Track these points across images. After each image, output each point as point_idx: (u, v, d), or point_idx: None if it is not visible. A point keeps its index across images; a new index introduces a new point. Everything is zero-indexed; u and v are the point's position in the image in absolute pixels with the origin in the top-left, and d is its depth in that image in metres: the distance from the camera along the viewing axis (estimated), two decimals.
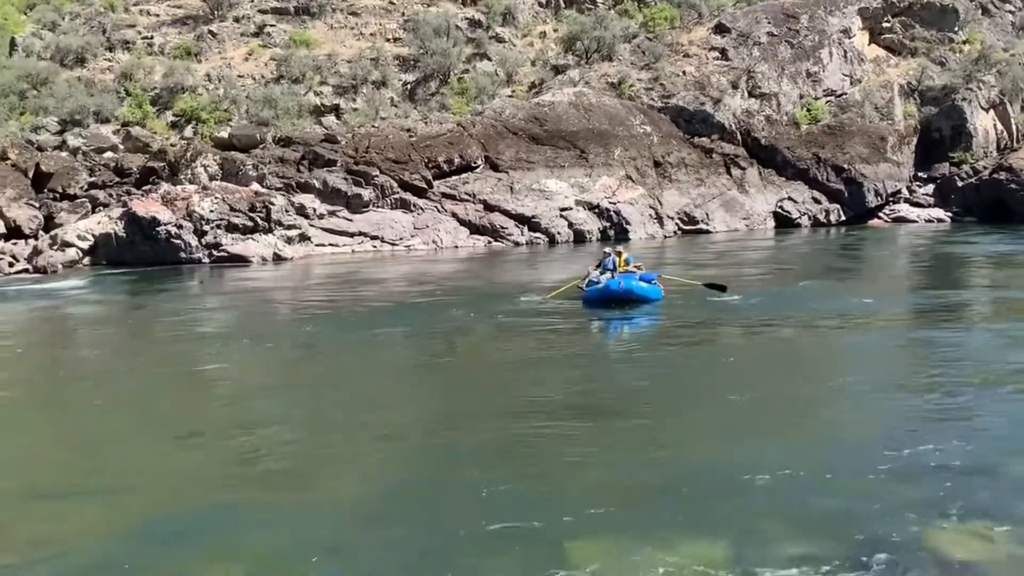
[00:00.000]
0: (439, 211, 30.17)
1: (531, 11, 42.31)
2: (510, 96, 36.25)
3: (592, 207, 31.34)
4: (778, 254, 26.74)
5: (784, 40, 38.19)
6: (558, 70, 37.67)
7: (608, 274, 15.08)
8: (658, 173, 33.71)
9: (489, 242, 29.66)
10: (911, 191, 36.96)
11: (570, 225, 30.58)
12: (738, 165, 35.13)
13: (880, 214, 35.73)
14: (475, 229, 29.98)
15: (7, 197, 26.92)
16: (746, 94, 36.92)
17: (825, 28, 38.93)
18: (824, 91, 38.07)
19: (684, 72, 37.07)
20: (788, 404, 9.26)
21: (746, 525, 6.08)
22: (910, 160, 37.55)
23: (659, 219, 32.34)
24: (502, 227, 29.97)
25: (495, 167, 31.79)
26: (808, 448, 7.72)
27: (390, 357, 12.66)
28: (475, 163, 31.66)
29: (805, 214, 34.65)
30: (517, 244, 29.58)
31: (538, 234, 30.14)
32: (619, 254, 16.00)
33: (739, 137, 35.85)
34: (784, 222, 34.17)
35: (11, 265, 23.67)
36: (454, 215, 30.15)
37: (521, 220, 30.33)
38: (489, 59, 38.15)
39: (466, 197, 30.67)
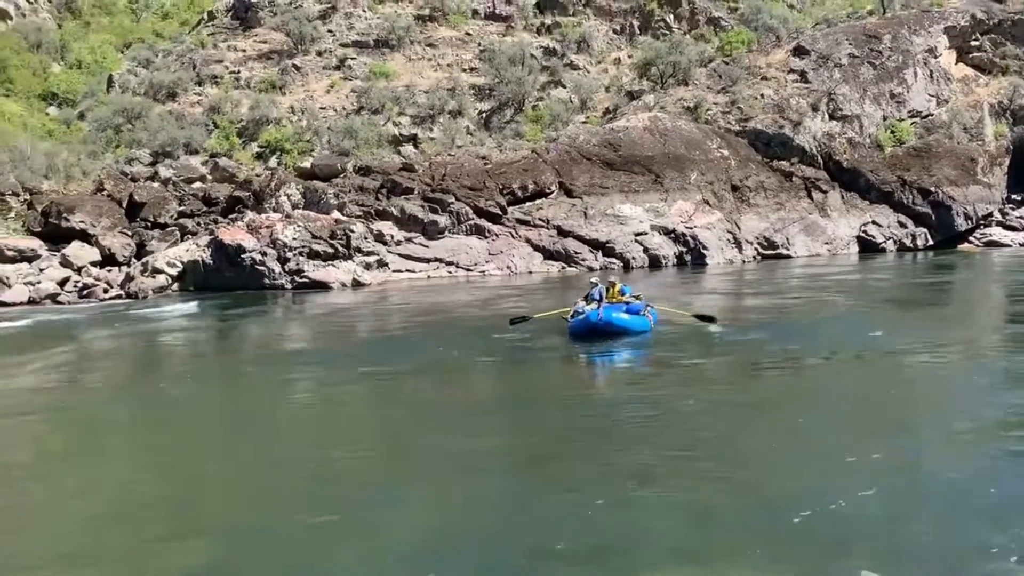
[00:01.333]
0: (513, 237, 30.34)
1: (605, 38, 42.54)
2: (584, 122, 36.37)
3: (668, 232, 31.03)
4: (862, 278, 25.90)
5: (866, 61, 37.29)
6: (633, 95, 37.65)
7: (594, 304, 14.71)
8: (736, 197, 33.20)
9: (563, 267, 29.64)
10: (1004, 214, 35.41)
11: (645, 250, 30.32)
12: (819, 189, 34.33)
13: (971, 238, 34.30)
14: (549, 254, 30.02)
15: (103, 226, 28.24)
16: (827, 116, 36.14)
17: (909, 48, 37.88)
18: (909, 112, 36.98)
19: (762, 95, 36.54)
20: (857, 435, 8.89)
21: (830, 554, 5.84)
22: (1002, 182, 36.05)
23: (737, 244, 31.79)
24: (576, 252, 29.93)
25: (569, 193, 31.83)
26: (884, 480, 7.39)
27: (462, 382, 12.70)
28: (549, 189, 31.77)
29: (890, 238, 33.55)
30: (591, 269, 29.43)
31: (612, 259, 29.98)
32: (612, 284, 15.77)
33: (820, 160, 35.06)
34: (868, 247, 33.16)
35: (105, 291, 24.74)
36: (528, 241, 30.26)
37: (595, 245, 30.24)
38: (563, 86, 38.43)
39: (540, 223, 30.77)
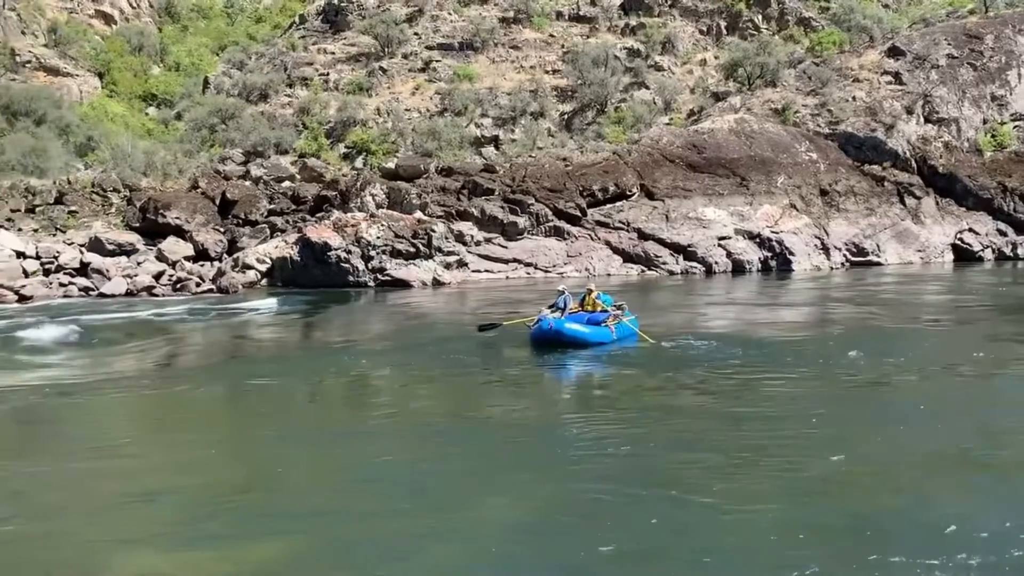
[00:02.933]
0: (592, 239, 30.20)
1: (691, 39, 41.98)
2: (668, 124, 35.97)
3: (753, 236, 30.39)
4: (963, 287, 24.85)
5: (966, 62, 35.81)
6: (718, 97, 37.06)
7: (557, 313, 14.57)
8: (824, 202, 32.30)
9: (643, 271, 29.34)
10: None
11: (728, 255, 29.75)
12: (912, 194, 33.11)
13: None
14: (628, 257, 29.76)
15: (197, 222, 29.32)
16: (922, 119, 34.86)
17: (1013, 48, 36.21)
18: (1012, 115, 35.36)
19: (854, 97, 35.47)
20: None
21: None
22: None
23: (825, 250, 30.91)
24: (656, 256, 29.59)
25: (651, 195, 31.51)
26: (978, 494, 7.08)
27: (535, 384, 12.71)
28: (630, 191, 31.52)
29: (988, 247, 32.10)
30: (672, 273, 29.08)
31: (694, 263, 29.51)
32: (589, 292, 15.55)
33: (914, 164, 33.82)
34: (964, 255, 31.78)
35: (198, 285, 25.66)
36: (607, 243, 30.07)
37: (676, 249, 29.84)
38: (647, 87, 38.09)
39: (620, 225, 30.54)
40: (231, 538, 6.71)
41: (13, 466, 8.76)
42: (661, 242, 30.01)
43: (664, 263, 29.45)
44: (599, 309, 15.04)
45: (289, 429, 10.20)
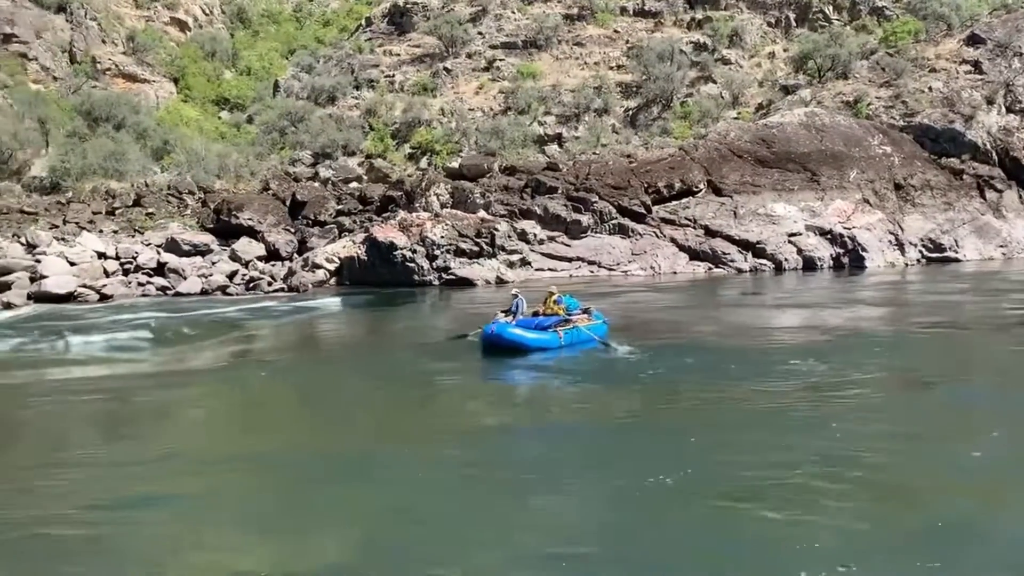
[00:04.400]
0: (658, 236, 29.88)
1: (759, 31, 41.19)
2: (736, 118, 35.36)
3: (824, 232, 29.65)
4: None
5: None
6: (788, 90, 36.29)
7: (508, 318, 14.34)
8: (899, 196, 31.30)
9: (710, 268, 28.89)
10: None
11: (799, 251, 29.08)
12: (993, 187, 31.85)
13: None
14: (695, 255, 29.35)
15: (268, 223, 30.03)
16: (1004, 110, 33.49)
17: None
18: None
19: (930, 88, 34.28)
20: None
21: None
22: None
23: (900, 246, 29.96)
24: (724, 253, 29.11)
25: (718, 191, 31.02)
26: None
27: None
28: (697, 187, 31.07)
29: None
30: (740, 271, 28.56)
31: (763, 260, 28.93)
32: (550, 295, 15.24)
33: (995, 157, 32.52)
34: None
35: (269, 284, 26.27)
36: (673, 240, 29.71)
37: (745, 246, 29.30)
38: (714, 82, 37.54)
39: (686, 222, 30.14)
40: (298, 531, 6.84)
41: (100, 450, 9.11)
42: (729, 239, 29.51)
43: (732, 260, 28.94)
44: (559, 312, 14.74)
45: (357, 425, 10.36)
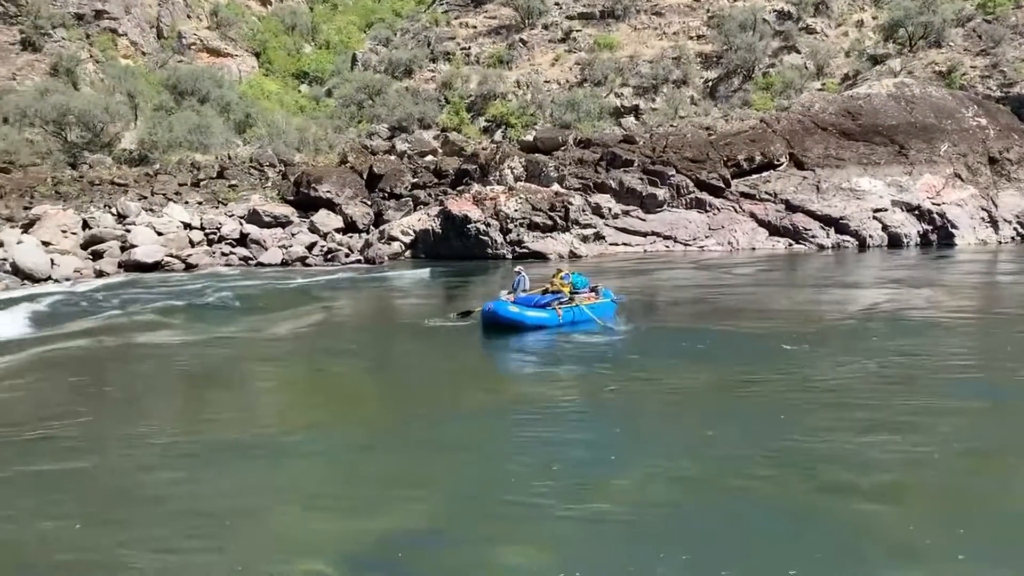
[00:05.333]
0: (736, 211, 29.23)
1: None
2: (820, 89, 34.23)
3: (911, 208, 28.53)
4: None
5: None
6: (876, 60, 34.90)
7: (511, 295, 14.23)
8: (993, 171, 29.86)
9: (790, 244, 28.15)
10: None
11: (884, 228, 28.07)
12: None
13: None
14: (775, 230, 28.63)
15: (346, 196, 30.51)
16: None
17: None
18: None
19: None
20: None
21: None
22: None
23: (993, 223, 28.63)
24: (805, 229, 28.31)
25: (800, 165, 30.12)
26: None
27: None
28: (778, 161, 30.23)
29: None
30: (821, 247, 27.75)
31: (846, 237, 28.04)
32: (557, 272, 14.91)
33: None
34: None
35: (347, 256, 26.77)
36: (752, 215, 29.03)
37: (827, 222, 28.43)
38: (798, 52, 36.38)
39: (766, 197, 29.39)
40: (367, 501, 6.98)
41: (184, 410, 9.47)
42: (811, 214, 28.68)
43: (813, 236, 28.14)
44: (564, 290, 14.49)
45: (429, 397, 10.49)
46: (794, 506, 6.61)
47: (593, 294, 14.83)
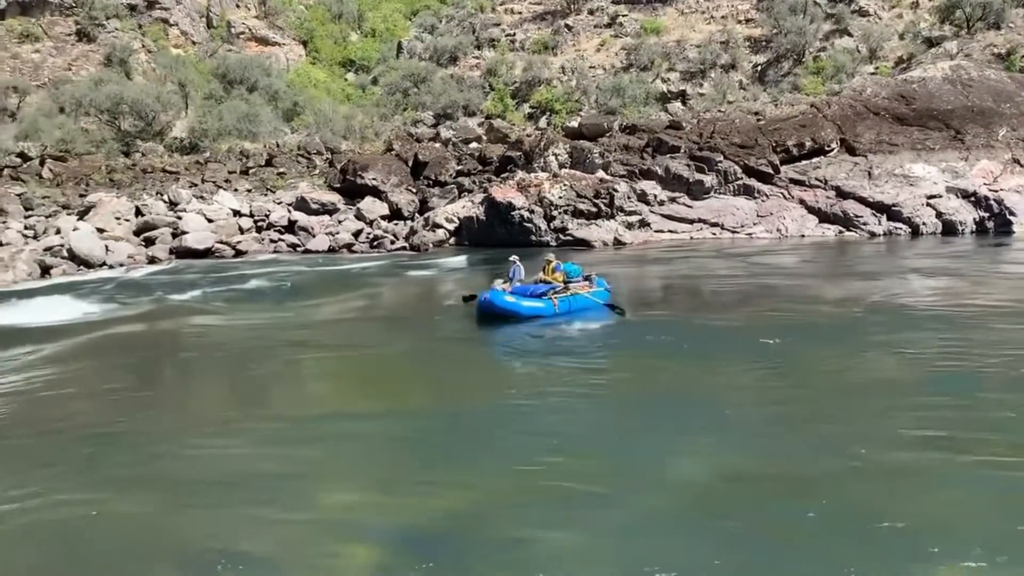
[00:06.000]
0: (785, 198, 28.73)
1: None
2: (873, 73, 33.44)
3: (967, 195, 27.73)
4: None
5: None
6: (932, 43, 33.97)
7: (507, 284, 14.33)
8: None
9: (840, 231, 27.59)
10: None
11: (938, 215, 27.32)
12: None
13: None
14: (825, 217, 28.08)
15: (391, 183, 30.69)
16: None
17: None
18: None
19: None
20: None
21: None
22: None
23: None
24: (856, 216, 27.72)
25: (851, 150, 29.49)
26: None
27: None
28: (828, 146, 29.64)
29: None
30: (873, 235, 27.15)
31: (898, 224, 27.38)
32: (548, 263, 14.79)
33: None
34: None
35: (392, 243, 26.96)
36: (802, 202, 28.51)
37: (879, 208, 27.79)
38: (850, 35, 35.58)
39: (816, 183, 28.84)
40: (421, 483, 7.05)
41: (227, 395, 9.67)
42: (862, 201, 28.06)
43: (865, 223, 27.54)
44: (557, 280, 14.49)
45: (477, 382, 10.55)
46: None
47: (588, 283, 14.89)
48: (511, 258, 15.89)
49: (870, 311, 14.15)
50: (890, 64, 34.14)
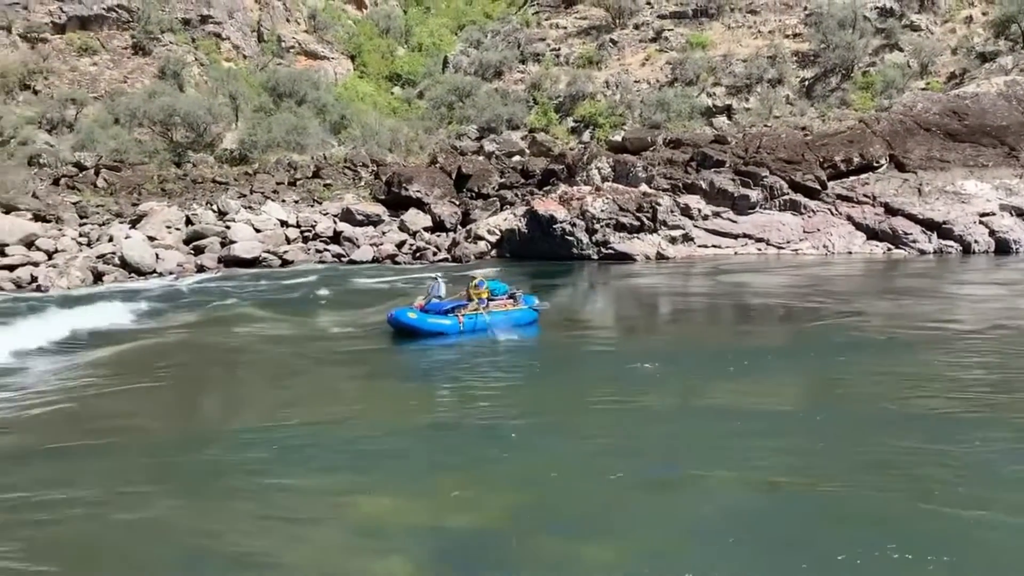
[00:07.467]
0: (832, 214, 28.32)
1: None
2: (924, 89, 32.84)
3: (1022, 212, 27.06)
4: None
5: None
6: (985, 58, 33.25)
7: (421, 301, 14.56)
8: None
9: (889, 249, 27.10)
10: None
11: (991, 233, 26.68)
12: None
13: None
14: (873, 234, 27.61)
15: (435, 195, 30.94)
16: None
17: None
18: None
19: None
20: None
21: None
22: None
23: None
24: (905, 233, 27.20)
25: (901, 167, 28.99)
26: None
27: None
28: (877, 162, 29.17)
29: None
30: (923, 252, 26.62)
31: (949, 242, 26.80)
32: (472, 280, 14.93)
33: None
34: None
35: (435, 254, 27.16)
36: (849, 218, 28.08)
37: (929, 226, 27.24)
38: (900, 49, 35.01)
39: (864, 199, 28.38)
40: (468, 485, 7.08)
41: (271, 403, 9.82)
42: (912, 218, 27.53)
43: (914, 241, 27.01)
44: (480, 297, 14.52)
45: (524, 391, 10.56)
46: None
47: (511, 301, 14.97)
48: (433, 275, 16.29)
49: (914, 329, 13.87)
50: (942, 79, 33.51)
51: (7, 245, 23.26)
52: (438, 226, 29.74)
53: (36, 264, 22.50)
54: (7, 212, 25.91)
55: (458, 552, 6.12)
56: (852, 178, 28.94)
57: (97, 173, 31.34)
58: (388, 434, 8.83)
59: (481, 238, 28.12)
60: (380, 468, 7.83)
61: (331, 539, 6.39)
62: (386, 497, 7.15)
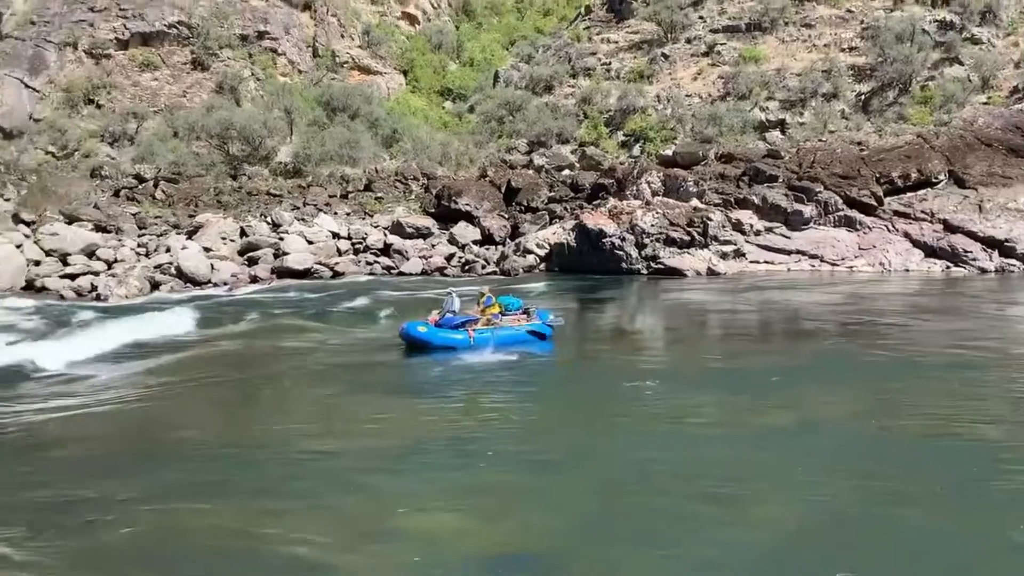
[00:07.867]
0: (889, 230, 27.71)
1: (1018, 6, 36.93)
2: (985, 103, 32.02)
3: None
4: None
5: None
6: None
7: (436, 315, 14.61)
8: None
9: (948, 267, 26.40)
10: None
11: None
12: None
13: None
14: (931, 252, 26.94)
15: (484, 209, 31.06)
16: None
17: None
18: None
19: None
20: None
21: None
22: None
23: None
24: (965, 251, 26.48)
25: (960, 183, 28.27)
26: None
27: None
28: (936, 178, 28.50)
29: None
30: (983, 271, 25.88)
31: (1012, 260, 26.02)
32: (481, 295, 14.91)
33: None
34: None
35: (483, 267, 27.24)
36: (906, 235, 27.44)
37: (990, 244, 26.49)
38: (961, 63, 34.19)
39: (922, 216, 27.73)
40: (512, 506, 7.05)
41: (322, 413, 9.90)
42: (972, 235, 26.81)
43: (974, 259, 26.28)
44: (492, 312, 14.70)
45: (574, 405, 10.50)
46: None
47: (526, 316, 15.06)
48: (448, 290, 16.40)
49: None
50: (1004, 94, 32.63)
51: (69, 255, 24.01)
52: (487, 239, 29.83)
53: (96, 273, 23.15)
54: (70, 222, 26.74)
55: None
56: (909, 194, 28.33)
57: (156, 185, 32.17)
58: (443, 449, 8.85)
59: (530, 252, 28.12)
60: (433, 483, 7.85)
61: (387, 551, 6.41)
62: (442, 512, 7.15)
